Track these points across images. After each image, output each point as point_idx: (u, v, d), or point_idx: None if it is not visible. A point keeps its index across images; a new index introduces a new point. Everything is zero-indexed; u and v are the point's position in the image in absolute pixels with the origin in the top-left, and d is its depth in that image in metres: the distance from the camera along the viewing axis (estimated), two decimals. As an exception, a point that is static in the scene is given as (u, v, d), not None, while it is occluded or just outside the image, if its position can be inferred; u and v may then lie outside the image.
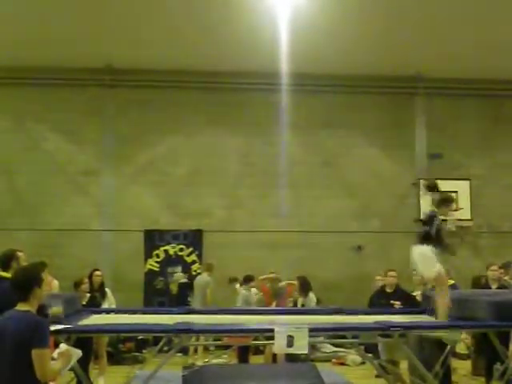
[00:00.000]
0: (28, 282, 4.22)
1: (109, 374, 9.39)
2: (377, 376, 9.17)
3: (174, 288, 13.86)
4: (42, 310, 4.62)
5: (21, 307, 4.17)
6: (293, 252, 13.78)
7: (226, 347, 10.10)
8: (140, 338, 12.04)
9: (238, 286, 11.91)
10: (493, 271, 9.50)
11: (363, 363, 10.87)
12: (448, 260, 6.92)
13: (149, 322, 6.78)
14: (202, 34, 12.55)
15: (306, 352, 5.78)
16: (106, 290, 10.11)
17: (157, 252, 14.63)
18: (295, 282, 10.88)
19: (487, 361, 8.09)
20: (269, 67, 13.08)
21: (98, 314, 7.75)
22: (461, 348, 11.08)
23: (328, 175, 15.05)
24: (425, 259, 6.64)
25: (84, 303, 8.63)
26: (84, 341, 7.07)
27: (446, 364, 7.33)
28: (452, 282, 8.39)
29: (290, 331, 5.56)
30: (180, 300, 12.91)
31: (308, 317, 7.70)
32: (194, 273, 14.18)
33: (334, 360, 11.76)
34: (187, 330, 5.84)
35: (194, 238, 14.68)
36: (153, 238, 14.64)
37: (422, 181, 6.94)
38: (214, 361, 10.68)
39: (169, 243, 14.68)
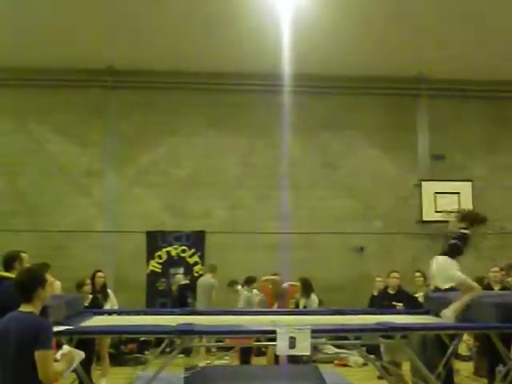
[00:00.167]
0: (32, 283, 4.23)
1: (111, 376, 9.41)
2: (379, 377, 9.20)
3: (174, 290, 13.86)
4: (45, 311, 4.61)
5: (24, 308, 4.17)
6: (295, 253, 13.75)
7: (228, 348, 10.09)
8: (142, 339, 12.03)
9: (239, 287, 11.91)
10: (494, 273, 9.51)
11: (365, 364, 10.87)
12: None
13: (151, 324, 6.79)
14: (203, 35, 12.55)
15: (308, 353, 5.77)
16: (109, 291, 10.13)
17: (159, 253, 14.63)
18: (297, 284, 10.87)
19: (489, 362, 8.09)
20: (271, 68, 13.09)
21: (100, 316, 7.76)
22: (463, 349, 11.07)
23: (330, 176, 15.04)
24: (446, 269, 6.61)
25: (86, 304, 8.64)
26: (86, 342, 7.08)
27: (448, 365, 7.33)
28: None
29: (292, 332, 5.56)
30: (180, 301, 12.92)
31: (310, 318, 7.69)
32: (196, 274, 14.18)
33: (336, 361, 11.74)
34: (189, 331, 5.84)
35: (197, 240, 14.68)
36: (155, 240, 14.63)
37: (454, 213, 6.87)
38: (216, 362, 10.67)
39: (171, 244, 14.67)
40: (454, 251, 6.66)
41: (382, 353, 8.43)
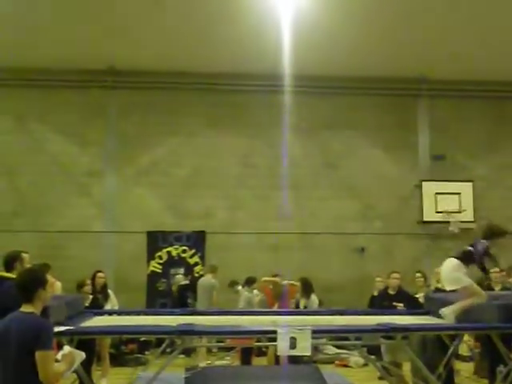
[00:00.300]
0: (33, 283, 4.22)
1: (111, 376, 9.41)
2: (380, 378, 9.20)
3: (175, 290, 13.85)
4: (45, 311, 4.61)
5: (25, 309, 4.17)
6: (295, 253, 13.77)
7: (229, 349, 10.09)
8: (142, 339, 12.03)
9: (240, 287, 11.90)
10: (494, 273, 9.50)
11: (366, 365, 10.87)
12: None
13: (151, 324, 6.79)
14: (204, 35, 12.55)
15: (308, 354, 5.77)
16: (109, 291, 10.13)
17: (159, 254, 14.62)
18: (297, 283, 10.88)
19: (490, 363, 8.08)
20: (271, 69, 13.09)
21: (100, 316, 7.75)
22: (463, 350, 11.07)
23: (331, 177, 15.04)
24: (452, 272, 6.60)
25: (87, 305, 8.64)
26: (87, 342, 7.08)
27: (448, 366, 7.33)
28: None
29: (292, 333, 5.55)
30: (180, 302, 12.91)
31: (310, 318, 7.69)
32: (196, 274, 14.17)
33: (336, 362, 11.74)
34: (190, 331, 5.83)
35: (197, 240, 14.67)
36: (155, 240, 14.63)
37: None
38: (217, 362, 10.66)
39: (171, 245, 14.67)
40: (468, 258, 6.65)
41: (383, 353, 8.43)
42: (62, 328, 5.75)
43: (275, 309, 10.23)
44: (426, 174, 15.23)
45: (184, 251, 14.66)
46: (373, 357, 8.01)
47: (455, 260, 6.68)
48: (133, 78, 14.73)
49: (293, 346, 5.53)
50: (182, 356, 10.72)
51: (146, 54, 13.57)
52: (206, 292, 12.20)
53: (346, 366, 11.52)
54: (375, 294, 10.95)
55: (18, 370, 3.99)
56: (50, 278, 4.51)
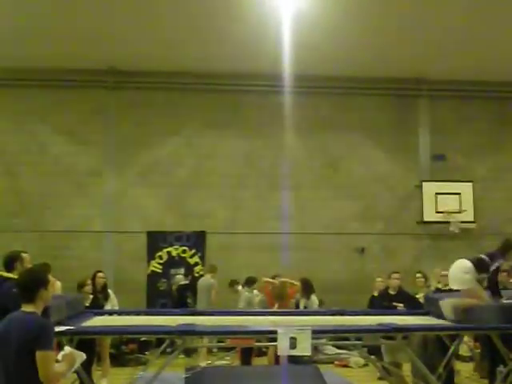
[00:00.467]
0: (34, 283, 4.22)
1: (112, 376, 9.40)
2: (380, 378, 9.20)
3: (174, 290, 13.86)
4: (46, 311, 4.61)
5: (26, 308, 4.16)
6: (295, 254, 13.75)
7: (229, 349, 10.09)
8: (143, 339, 12.03)
9: (240, 287, 11.91)
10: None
11: (366, 365, 10.87)
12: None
13: (151, 324, 6.79)
14: (205, 35, 12.55)
15: (308, 354, 5.77)
16: (109, 291, 10.12)
17: (160, 254, 14.62)
18: (297, 283, 10.88)
19: (490, 363, 8.09)
20: (271, 69, 13.09)
21: (100, 316, 7.76)
22: (464, 350, 11.07)
23: (331, 177, 15.04)
24: (461, 273, 6.61)
25: (87, 305, 8.64)
26: (87, 342, 7.08)
27: (448, 366, 7.33)
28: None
29: (292, 333, 5.56)
30: (180, 302, 12.93)
31: (311, 318, 7.69)
32: (196, 274, 14.17)
33: (336, 362, 11.73)
34: (190, 331, 5.84)
35: (197, 240, 14.67)
36: (156, 240, 14.63)
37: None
38: (217, 362, 10.66)
39: (172, 245, 14.67)
40: (480, 266, 6.65)
41: (383, 353, 8.43)
42: (63, 328, 5.76)
43: (275, 309, 10.23)
44: (426, 175, 15.23)
45: (184, 251, 14.66)
46: (373, 357, 8.02)
47: (469, 263, 6.66)
48: (133, 78, 14.74)
49: (293, 346, 5.53)
50: (182, 356, 10.72)
51: (147, 54, 13.57)
52: (204, 292, 12.22)
53: (346, 366, 11.51)
54: (375, 294, 10.95)
55: (19, 369, 3.99)
56: (50, 277, 4.50)
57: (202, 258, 14.62)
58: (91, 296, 9.09)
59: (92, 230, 14.46)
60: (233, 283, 12.25)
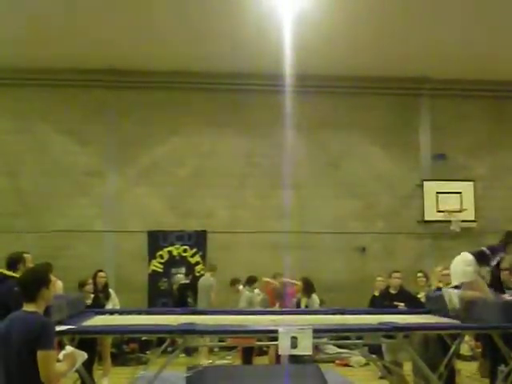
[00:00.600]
0: (36, 282, 4.22)
1: (113, 375, 9.41)
2: (381, 377, 9.20)
3: (175, 289, 13.86)
4: (47, 311, 4.62)
5: (28, 308, 4.16)
6: (296, 253, 13.76)
7: (230, 348, 10.09)
8: (144, 338, 12.03)
9: (241, 286, 11.91)
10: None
11: (367, 364, 10.87)
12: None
13: (152, 323, 6.79)
14: (206, 35, 12.54)
15: (309, 353, 5.77)
16: (110, 290, 10.14)
17: (161, 253, 14.62)
18: (298, 283, 10.89)
19: (491, 362, 8.08)
20: (272, 68, 13.07)
21: (101, 315, 7.77)
22: (465, 349, 11.07)
23: (332, 176, 15.04)
24: (464, 266, 6.62)
25: (88, 304, 8.64)
26: (88, 342, 7.08)
27: (449, 365, 7.33)
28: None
29: (293, 332, 5.56)
30: (180, 301, 12.93)
31: (312, 317, 7.70)
32: (197, 274, 14.17)
33: (337, 361, 11.74)
34: (191, 330, 5.84)
35: (198, 239, 14.67)
36: (156, 239, 14.63)
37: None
38: (218, 362, 10.67)
39: (173, 244, 14.67)
40: (481, 258, 6.66)
41: (384, 353, 8.42)
42: (64, 327, 5.77)
43: (276, 308, 10.24)
44: (427, 174, 15.23)
45: (185, 250, 14.66)
46: (374, 356, 8.02)
47: (470, 255, 6.69)
48: (134, 78, 14.72)
49: (294, 345, 5.53)
50: (183, 355, 10.73)
51: (147, 54, 13.56)
52: (204, 291, 12.25)
53: (346, 365, 11.52)
54: (376, 293, 10.94)
55: (20, 369, 3.99)
56: (51, 277, 4.51)
57: (203, 257, 14.62)
58: (92, 295, 9.10)
59: (93, 229, 14.45)
60: (234, 282, 12.26)
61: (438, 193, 14.76)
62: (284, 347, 5.58)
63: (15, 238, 13.57)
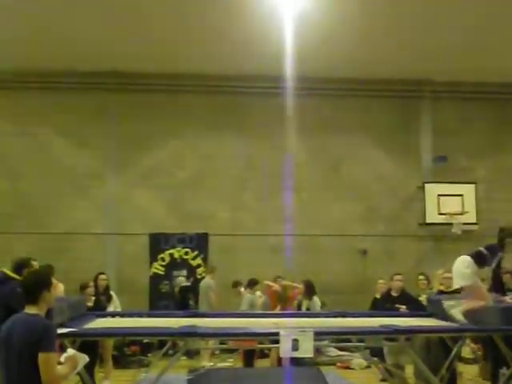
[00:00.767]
0: (38, 285, 4.23)
1: (114, 378, 9.42)
2: (382, 380, 9.19)
3: (176, 292, 13.87)
4: (48, 313, 4.62)
5: (29, 310, 4.17)
6: (298, 255, 13.74)
7: (232, 350, 10.09)
8: (145, 341, 12.04)
9: (242, 289, 11.91)
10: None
11: (368, 367, 10.86)
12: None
13: (154, 326, 6.79)
14: (207, 37, 12.56)
15: (311, 355, 5.77)
16: (112, 293, 10.14)
17: (162, 255, 14.63)
18: (299, 285, 10.88)
19: (493, 365, 8.07)
20: (274, 70, 13.08)
21: (103, 318, 7.76)
22: (466, 352, 11.05)
23: (333, 178, 15.04)
24: (464, 269, 6.62)
25: (89, 307, 8.64)
26: (89, 344, 7.08)
27: (451, 368, 7.32)
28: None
29: (295, 335, 5.55)
30: (181, 303, 12.93)
31: (313, 320, 7.69)
32: (199, 276, 14.18)
33: (338, 364, 11.72)
34: (192, 333, 5.84)
35: (200, 242, 14.67)
36: (158, 242, 14.64)
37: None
38: (220, 364, 10.67)
39: (174, 247, 14.67)
40: (481, 259, 6.66)
41: (385, 355, 8.42)
42: (65, 330, 5.76)
43: (278, 311, 10.23)
44: (428, 176, 15.22)
45: (186, 253, 14.67)
46: (375, 359, 8.01)
47: (468, 257, 6.70)
48: (135, 80, 14.74)
49: (295, 347, 5.53)
50: (185, 358, 10.72)
51: (148, 56, 13.57)
52: (204, 293, 12.25)
53: (348, 368, 11.50)
54: (378, 296, 10.93)
55: (21, 371, 3.99)
56: (53, 280, 4.52)
57: (204, 259, 14.62)
58: (93, 298, 9.10)
59: (94, 231, 14.46)
60: (236, 284, 12.25)
61: (439, 195, 14.75)
62: (285, 350, 5.58)
63: (16, 239, 13.60)
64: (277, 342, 5.66)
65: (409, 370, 8.28)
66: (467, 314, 6.53)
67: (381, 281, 11.31)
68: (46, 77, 14.34)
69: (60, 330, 5.43)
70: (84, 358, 4.57)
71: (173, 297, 14.06)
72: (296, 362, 7.82)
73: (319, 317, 8.35)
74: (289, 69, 12.52)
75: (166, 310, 13.48)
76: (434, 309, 7.71)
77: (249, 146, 15.00)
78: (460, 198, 14.73)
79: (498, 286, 7.10)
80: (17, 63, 13.86)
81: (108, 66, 14.35)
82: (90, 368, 7.25)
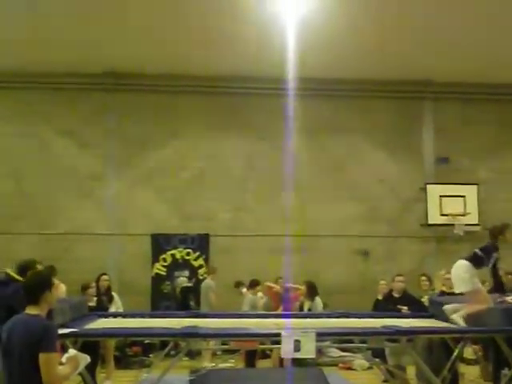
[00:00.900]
0: (39, 285, 4.23)
1: (116, 378, 9.43)
2: (384, 381, 9.19)
3: (178, 292, 13.88)
4: (50, 314, 4.63)
5: (30, 311, 4.17)
6: (299, 256, 13.72)
7: (233, 351, 10.09)
8: (147, 341, 12.05)
9: (244, 289, 11.91)
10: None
11: (370, 368, 10.85)
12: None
13: (156, 326, 6.79)
14: (207, 37, 12.54)
15: (313, 356, 5.77)
16: (113, 293, 10.15)
17: (164, 256, 14.63)
18: (301, 287, 10.88)
19: (494, 366, 8.06)
20: (275, 71, 13.07)
21: (104, 318, 7.77)
22: (468, 353, 11.04)
23: (335, 179, 15.03)
24: (464, 274, 6.63)
25: (91, 305, 8.65)
26: (91, 345, 7.09)
27: (453, 369, 7.31)
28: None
29: (297, 335, 5.55)
30: (183, 304, 12.93)
31: (315, 321, 7.69)
32: (200, 277, 14.18)
33: (340, 364, 11.71)
34: (194, 333, 5.84)
35: (201, 242, 14.68)
36: (160, 242, 14.64)
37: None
38: (221, 365, 10.67)
39: (176, 247, 14.67)
40: (477, 261, 6.68)
41: (387, 356, 8.41)
42: (67, 330, 5.77)
43: (279, 312, 10.23)
44: (430, 177, 15.21)
45: (188, 254, 14.67)
46: (377, 360, 8.01)
47: (464, 261, 6.71)
48: (135, 81, 14.75)
49: (297, 348, 5.53)
50: (187, 358, 10.72)
51: (148, 57, 13.57)
52: (205, 294, 12.27)
53: (350, 368, 11.49)
54: (379, 297, 10.92)
55: (22, 372, 3.99)
56: (54, 280, 4.53)
57: (206, 260, 14.62)
58: (95, 298, 9.11)
59: (96, 232, 14.47)
60: (238, 284, 12.26)
61: (441, 196, 14.73)
62: (287, 350, 5.58)
63: (18, 240, 13.62)
64: (278, 342, 5.66)
65: (410, 371, 8.28)
66: (468, 318, 6.53)
67: (382, 282, 11.31)
68: (47, 78, 14.34)
69: (61, 331, 5.43)
70: (85, 359, 4.58)
71: (174, 297, 14.06)
72: (298, 362, 7.82)
73: (321, 317, 8.35)
74: (290, 70, 12.50)
75: (167, 311, 13.51)
76: (435, 310, 7.70)
77: (250, 146, 15.00)
78: (462, 199, 14.71)
79: (497, 287, 7.09)
80: (18, 64, 13.86)
81: (108, 66, 14.36)
82: (91, 368, 7.26)
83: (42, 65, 13.88)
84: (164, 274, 14.56)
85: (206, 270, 14.27)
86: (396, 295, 8.95)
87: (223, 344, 10.40)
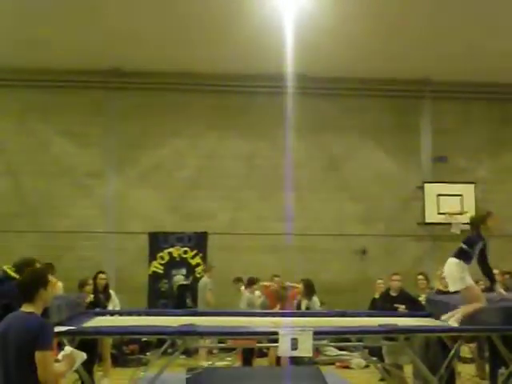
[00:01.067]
0: (34, 283, 4.23)
1: (113, 377, 9.41)
2: (381, 380, 9.19)
3: (175, 290, 13.88)
4: (46, 312, 4.62)
5: (25, 308, 4.17)
6: (297, 255, 13.75)
7: (230, 349, 10.08)
8: (144, 340, 12.04)
9: (242, 287, 11.91)
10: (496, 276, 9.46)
11: (367, 366, 10.85)
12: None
13: (152, 324, 6.79)
14: (207, 36, 12.55)
15: (310, 355, 5.76)
16: (111, 291, 10.14)
17: (161, 254, 14.63)
18: (298, 285, 10.87)
19: (491, 365, 8.06)
20: (275, 70, 13.10)
21: (102, 316, 7.76)
22: (465, 352, 11.05)
23: (333, 178, 15.03)
24: (456, 273, 6.64)
25: (88, 305, 8.64)
26: (88, 343, 7.07)
27: (450, 368, 7.31)
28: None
29: (294, 334, 5.55)
30: (180, 302, 12.92)
31: (312, 319, 7.68)
32: (198, 275, 14.17)
33: (337, 363, 11.71)
34: (191, 332, 5.83)
35: (199, 241, 14.67)
36: (157, 241, 14.64)
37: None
38: (218, 363, 10.66)
39: (173, 246, 14.67)
40: (465, 257, 6.68)
41: (384, 355, 8.41)
42: (63, 328, 5.76)
43: (277, 310, 10.22)
44: (428, 176, 15.22)
45: (185, 252, 14.66)
46: (374, 358, 8.01)
47: (455, 260, 6.72)
48: (135, 79, 14.75)
49: (294, 347, 5.52)
50: (183, 357, 10.71)
51: (149, 55, 13.57)
52: (201, 292, 12.27)
53: (347, 367, 11.50)
54: (377, 296, 10.92)
55: (18, 369, 3.99)
56: (51, 278, 4.52)
57: (203, 258, 14.61)
58: (92, 296, 9.10)
59: (94, 230, 14.46)
60: (237, 280, 12.25)
61: (438, 195, 14.75)
62: (284, 349, 5.57)
63: (16, 238, 13.60)
64: (276, 341, 5.65)
65: (408, 370, 8.28)
66: (464, 319, 6.54)
67: (379, 281, 11.33)
68: (46, 76, 14.33)
69: (58, 329, 5.42)
70: (82, 356, 4.57)
71: (172, 295, 14.06)
72: (295, 361, 7.83)
73: (318, 316, 8.35)
74: (289, 69, 12.52)
75: (164, 309, 13.50)
76: (433, 309, 7.70)
77: (249, 145, 15.00)
78: (459, 197, 14.73)
79: (487, 274, 7.03)
80: (17, 62, 13.86)
81: (108, 64, 14.36)
82: (88, 366, 7.24)
83: (41, 63, 13.89)
84: (161, 272, 14.55)
85: (203, 268, 14.27)
86: (393, 294, 8.95)
87: (220, 342, 10.40)
